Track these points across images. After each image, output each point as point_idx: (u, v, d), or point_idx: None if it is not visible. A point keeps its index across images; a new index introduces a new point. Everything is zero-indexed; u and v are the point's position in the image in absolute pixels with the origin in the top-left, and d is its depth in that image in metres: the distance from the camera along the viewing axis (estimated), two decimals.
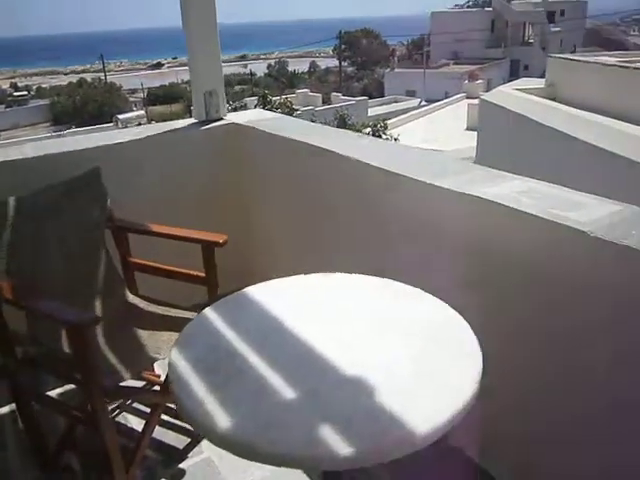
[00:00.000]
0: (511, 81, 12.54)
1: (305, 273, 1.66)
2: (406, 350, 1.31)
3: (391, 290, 1.57)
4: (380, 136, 13.61)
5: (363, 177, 2.20)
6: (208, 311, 1.52)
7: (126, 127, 24.16)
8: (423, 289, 1.53)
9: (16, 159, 2.46)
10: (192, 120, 2.97)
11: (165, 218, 2.29)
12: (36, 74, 72.65)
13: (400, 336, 1.37)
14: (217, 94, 2.89)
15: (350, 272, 1.65)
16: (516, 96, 8.96)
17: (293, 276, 1.64)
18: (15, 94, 48.43)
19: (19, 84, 59.24)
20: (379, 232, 2.20)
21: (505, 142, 8.16)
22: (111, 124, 26.04)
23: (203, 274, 2.12)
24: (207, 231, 2.15)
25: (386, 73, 38.87)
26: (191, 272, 2.17)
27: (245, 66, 64.02)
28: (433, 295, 1.50)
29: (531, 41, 40.87)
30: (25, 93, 49.09)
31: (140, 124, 24.60)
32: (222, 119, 2.95)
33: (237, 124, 2.90)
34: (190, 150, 2.85)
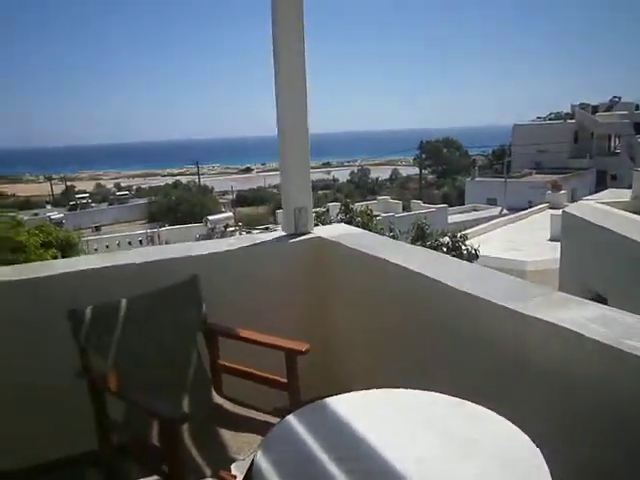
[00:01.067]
0: (598, 191, 12.36)
1: (382, 386, 1.75)
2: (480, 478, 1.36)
3: (466, 411, 1.63)
4: (459, 247, 13.64)
5: (439, 298, 2.32)
6: (291, 418, 1.64)
7: (214, 228, 25.73)
8: (494, 410, 1.58)
9: (125, 264, 2.79)
10: (281, 233, 3.24)
11: (252, 323, 2.48)
12: (138, 175, 79.48)
13: (474, 461, 1.42)
14: (306, 211, 3.16)
15: (426, 389, 1.73)
16: (601, 209, 8.85)
17: (372, 390, 1.74)
18: (118, 193, 53.20)
19: (122, 184, 64.95)
20: (455, 352, 2.27)
21: (589, 256, 7.98)
22: (201, 224, 27.70)
23: (285, 380, 2.25)
24: (290, 337, 2.31)
25: (467, 181, 39.39)
26: (274, 377, 2.31)
27: (328, 172, 67.20)
28: (504, 418, 1.54)
29: (617, 151, 40.40)
30: (126, 193, 53.79)
31: (227, 225, 26.06)
32: (309, 233, 3.20)
33: (323, 238, 3.14)
34: (278, 261, 3.09)
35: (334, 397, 1.71)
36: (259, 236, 3.34)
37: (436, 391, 1.71)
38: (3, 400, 2.56)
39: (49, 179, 60.36)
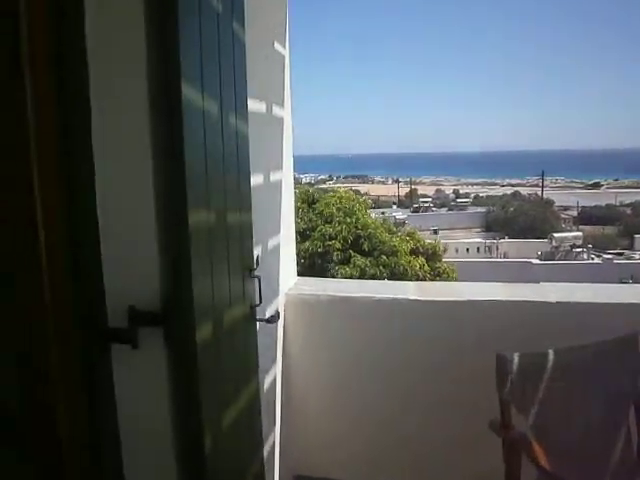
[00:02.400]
0: None
1: None
2: None
3: None
4: None
5: None
6: None
7: (559, 246, 24.00)
8: None
9: (538, 301, 2.54)
10: None
11: None
12: (477, 184, 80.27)
13: None
14: None
15: None
16: None
17: None
18: (457, 200, 54.70)
19: (460, 191, 66.46)
20: None
21: None
22: (541, 240, 26.26)
23: None
24: None
25: None
26: None
27: None
28: None
29: None
30: (465, 200, 54.83)
31: (574, 245, 23.96)
32: None
33: None
34: None
35: None
36: None
37: None
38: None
39: (396, 182, 66.00)
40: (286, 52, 2.67)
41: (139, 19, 1.30)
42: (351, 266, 9.72)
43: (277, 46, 2.55)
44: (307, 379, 2.69)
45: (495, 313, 2.51)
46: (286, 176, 2.66)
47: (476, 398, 2.24)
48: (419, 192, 62.41)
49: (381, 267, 9.47)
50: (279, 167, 2.56)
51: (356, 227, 10.23)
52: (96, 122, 1.29)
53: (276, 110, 2.52)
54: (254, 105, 2.01)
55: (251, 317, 1.88)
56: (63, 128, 1.28)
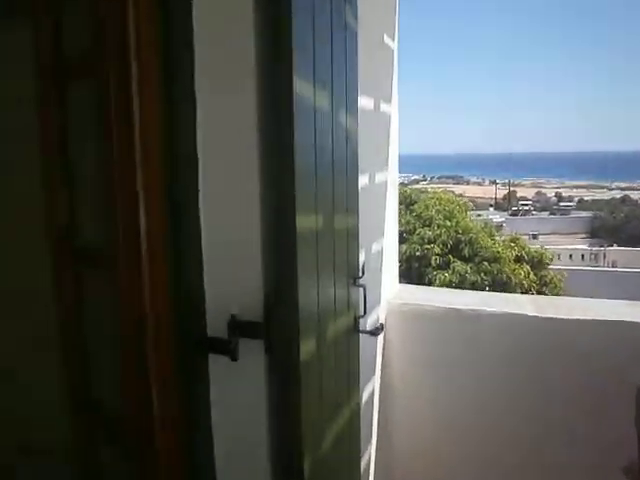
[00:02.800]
0: None
1: None
2: None
3: None
4: None
5: None
6: None
7: None
8: None
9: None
10: None
11: None
12: (581, 186, 75.60)
13: None
14: None
15: None
16: None
17: None
18: (560, 204, 51.74)
19: (563, 194, 62.84)
20: None
21: None
22: None
23: None
24: None
25: None
26: None
27: None
28: None
29: None
30: (569, 204, 51.77)
31: None
32: None
33: None
34: None
35: None
36: None
37: None
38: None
39: (493, 183, 63.53)
40: (395, 46, 2.51)
41: (247, 4, 1.20)
42: (450, 272, 9.33)
43: (386, 39, 2.40)
44: (407, 395, 2.51)
45: (624, 336, 2.21)
46: (391, 176, 2.50)
47: (605, 432, 1.97)
48: (518, 194, 59.71)
49: (482, 274, 9.00)
50: (384, 167, 2.42)
51: (456, 231, 9.82)
52: (200, 118, 1.21)
53: (383, 106, 2.37)
54: (362, 100, 1.88)
55: (355, 329, 1.75)
56: (168, 125, 1.21)
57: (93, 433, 1.69)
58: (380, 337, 2.32)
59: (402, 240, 9.90)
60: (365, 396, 2.21)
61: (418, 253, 9.68)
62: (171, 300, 1.28)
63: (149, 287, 1.28)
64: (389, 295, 2.48)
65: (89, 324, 1.70)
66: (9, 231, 2.10)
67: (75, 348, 1.74)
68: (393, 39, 2.47)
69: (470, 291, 3.56)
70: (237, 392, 1.36)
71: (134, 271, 1.26)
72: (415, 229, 10.05)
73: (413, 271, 9.52)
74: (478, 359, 2.36)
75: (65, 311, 1.74)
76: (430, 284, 8.89)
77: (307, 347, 1.36)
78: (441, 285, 8.92)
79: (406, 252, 9.63)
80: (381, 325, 2.04)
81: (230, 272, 1.29)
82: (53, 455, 2.13)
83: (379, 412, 2.35)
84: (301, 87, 1.20)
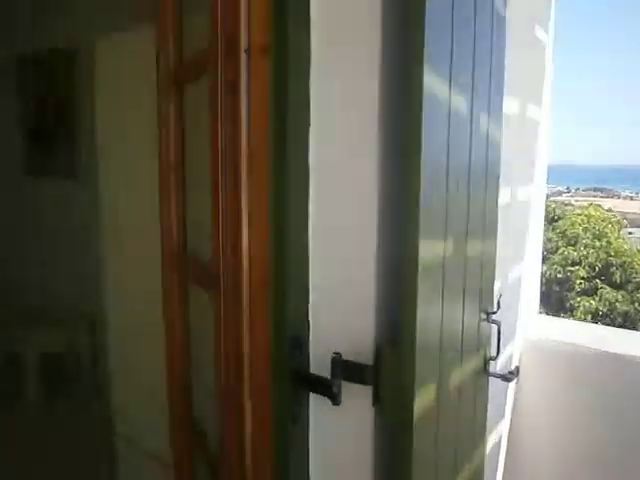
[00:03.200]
0: None
1: None
2: None
3: None
4: None
5: None
6: None
7: None
8: None
9: None
10: None
11: None
12: None
13: None
14: None
15: None
16: None
17: None
18: None
19: None
20: None
21: None
22: None
23: None
24: None
25: None
26: None
27: None
28: None
29: None
30: None
31: None
32: None
33: None
34: None
35: None
36: None
37: None
38: None
39: None
40: (548, 39, 2.18)
41: None
42: (597, 299, 8.26)
43: (538, 31, 2.07)
44: (540, 449, 2.14)
45: None
46: (537, 191, 2.17)
47: None
48: None
49: (637, 304, 7.87)
50: (530, 180, 2.09)
51: (607, 252, 8.68)
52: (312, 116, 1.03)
53: (531, 109, 2.04)
54: (506, 102, 1.59)
55: (484, 372, 1.47)
56: (278, 131, 1.06)
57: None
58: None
59: (542, 259, 8.96)
60: (490, 443, 1.90)
61: (560, 275, 8.72)
62: (273, 327, 1.14)
63: (249, 312, 1.16)
64: (526, 329, 2.13)
65: (194, 340, 1.62)
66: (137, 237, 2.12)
67: (178, 360, 1.67)
68: (546, 31, 2.13)
69: (635, 332, 3.03)
70: (338, 440, 1.17)
71: (235, 294, 1.15)
72: (558, 248, 9.10)
73: (552, 295, 8.62)
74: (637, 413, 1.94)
75: (172, 325, 1.67)
76: (572, 311, 8.02)
77: (425, 396, 1.12)
78: (585, 313, 8.01)
79: (545, 274, 8.71)
80: (516, 369, 1.73)
81: (337, 303, 1.10)
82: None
83: (505, 467, 2.03)
84: (432, 81, 0.97)
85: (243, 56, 1.09)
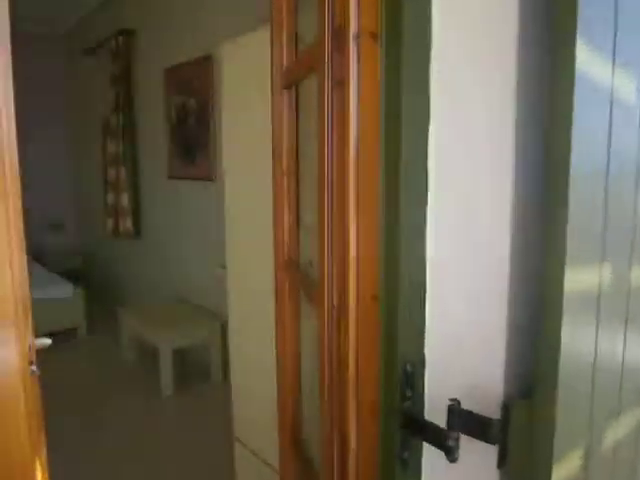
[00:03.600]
0: None
1: None
2: None
3: None
4: None
5: None
6: None
7: None
8: None
9: None
10: None
11: None
12: None
13: None
14: None
15: None
16: None
17: None
18: None
19: None
20: None
21: None
22: None
23: None
24: None
25: None
26: None
27: None
28: None
29: None
30: None
31: None
32: None
33: None
34: None
35: None
36: None
37: None
38: None
39: None
40: None
41: None
42: None
43: None
44: None
45: None
46: None
47: None
48: None
49: None
50: None
51: None
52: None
53: None
54: None
55: None
56: (391, 133, 0.89)
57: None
58: None
59: None
60: None
61: None
62: (383, 357, 0.99)
63: (355, 335, 1.02)
64: None
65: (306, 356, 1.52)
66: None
67: (289, 375, 1.57)
68: None
69: None
70: None
71: (340, 313, 1.02)
72: None
73: None
74: None
75: (282, 336, 1.58)
76: None
77: (568, 462, 0.89)
78: None
79: None
80: None
81: (456, 341, 0.90)
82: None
83: None
84: (585, 61, 0.74)
85: (352, 45, 0.94)
